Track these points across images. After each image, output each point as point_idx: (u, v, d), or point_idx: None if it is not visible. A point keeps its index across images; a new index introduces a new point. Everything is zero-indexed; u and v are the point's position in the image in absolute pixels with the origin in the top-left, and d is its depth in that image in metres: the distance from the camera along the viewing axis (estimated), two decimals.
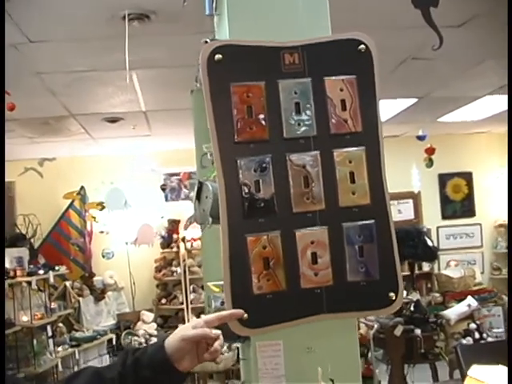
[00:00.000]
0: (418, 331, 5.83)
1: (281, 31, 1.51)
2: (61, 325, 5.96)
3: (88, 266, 7.31)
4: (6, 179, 6.70)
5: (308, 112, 1.49)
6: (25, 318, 4.92)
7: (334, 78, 1.50)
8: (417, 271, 7.43)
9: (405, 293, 6.91)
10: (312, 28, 1.53)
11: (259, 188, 1.46)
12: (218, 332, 1.19)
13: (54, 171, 6.75)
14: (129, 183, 6.95)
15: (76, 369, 5.71)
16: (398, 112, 6.40)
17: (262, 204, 1.46)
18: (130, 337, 6.53)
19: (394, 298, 1.51)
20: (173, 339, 1.19)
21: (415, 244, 6.36)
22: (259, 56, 1.48)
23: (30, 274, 5.21)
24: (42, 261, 6.12)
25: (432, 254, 6.24)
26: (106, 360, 6.31)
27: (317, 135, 1.49)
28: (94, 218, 6.90)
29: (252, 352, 1.48)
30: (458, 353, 3.12)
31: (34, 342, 5.01)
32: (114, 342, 6.57)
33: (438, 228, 7.65)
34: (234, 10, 1.52)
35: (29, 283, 5.18)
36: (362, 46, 1.52)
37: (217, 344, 1.18)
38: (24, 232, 6.41)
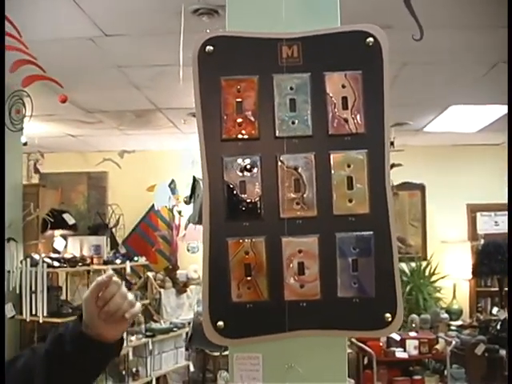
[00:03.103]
0: (502, 352, 5.48)
1: (283, 22, 1.40)
2: (139, 314, 6.07)
3: (174, 259, 7.42)
4: (99, 169, 6.94)
5: (304, 110, 1.37)
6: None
7: (335, 73, 1.37)
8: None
9: (495, 310, 6.52)
10: (319, 19, 1.41)
11: (244, 189, 1.36)
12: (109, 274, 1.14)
13: (142, 163, 6.91)
14: None
15: (149, 359, 5.81)
16: (495, 119, 6.04)
17: (247, 206, 1.36)
18: None
19: (390, 320, 1.36)
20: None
21: (505, 259, 5.99)
22: (254, 48, 1.38)
23: (106, 263, 5.34)
24: (123, 250, 6.26)
25: None
26: (181, 353, 6.36)
27: (313, 135, 1.37)
28: (180, 212, 6.98)
29: (229, 364, 1.38)
30: None
31: None
32: None
33: None
34: None
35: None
36: (371, 39, 1.38)
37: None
38: (107, 221, 6.59)
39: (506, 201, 6.85)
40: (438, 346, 5.39)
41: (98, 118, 5.93)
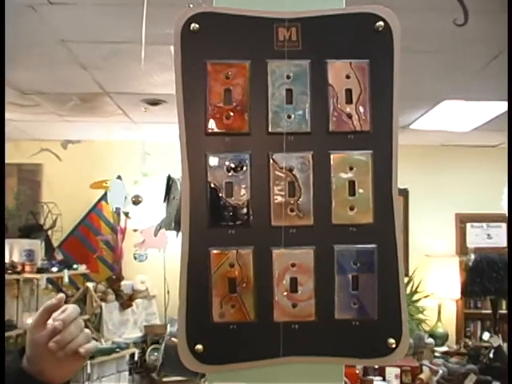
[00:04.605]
0: None
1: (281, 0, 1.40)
2: None
3: (117, 268, 7.38)
4: (33, 161, 6.85)
5: (302, 102, 1.37)
6: (30, 321, 4.96)
7: (339, 61, 1.38)
8: (504, 311, 7.14)
9: (486, 335, 6.63)
10: None
11: (231, 192, 1.36)
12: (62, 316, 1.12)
13: (86, 156, 6.84)
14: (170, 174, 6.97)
15: None
16: (493, 117, 6.15)
17: (233, 212, 1.36)
18: (156, 353, 6.53)
19: (394, 346, 1.37)
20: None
21: (500, 277, 6.11)
22: (246, 28, 1.38)
23: (40, 271, 5.27)
24: (59, 257, 6.19)
25: None
26: (124, 377, 6.33)
27: (311, 132, 1.37)
28: (127, 213, 6.94)
29: None
30: None
31: None
32: (137, 358, 6.59)
33: None
34: None
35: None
36: (380, 23, 1.39)
37: (56, 323, 1.11)
38: (41, 222, 6.51)
39: (500, 211, 7.01)
40: (422, 376, 5.45)
41: (35, 100, 5.85)
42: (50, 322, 1.15)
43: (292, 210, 1.36)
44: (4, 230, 4.01)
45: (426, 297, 7.60)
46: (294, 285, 1.35)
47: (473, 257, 7.11)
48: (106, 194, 7.20)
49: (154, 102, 5.89)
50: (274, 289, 1.35)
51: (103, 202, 7.28)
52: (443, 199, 7.90)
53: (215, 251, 1.35)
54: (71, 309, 1.13)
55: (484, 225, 7.59)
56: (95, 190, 6.99)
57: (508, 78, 3.48)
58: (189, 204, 1.36)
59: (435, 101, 5.97)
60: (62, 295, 1.15)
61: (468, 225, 7.87)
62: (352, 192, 1.37)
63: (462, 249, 7.94)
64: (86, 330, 1.15)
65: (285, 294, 1.35)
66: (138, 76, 5.15)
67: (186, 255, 1.35)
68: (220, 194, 1.36)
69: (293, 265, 1.36)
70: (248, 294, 1.35)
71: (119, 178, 7.10)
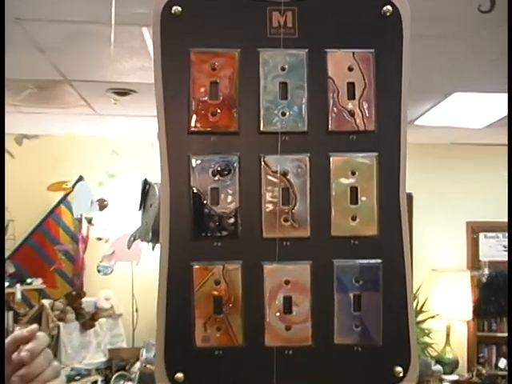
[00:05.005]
0: None
1: None
2: None
3: (78, 282, 7.37)
4: None
5: (298, 97, 1.39)
6: None
7: (340, 51, 1.40)
8: None
9: (502, 362, 6.68)
10: None
11: (217, 199, 1.37)
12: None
13: (43, 153, 6.82)
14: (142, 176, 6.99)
15: None
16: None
17: (220, 222, 1.37)
18: (122, 381, 6.53)
19: (401, 375, 1.39)
20: None
21: None
22: (236, 13, 1.40)
23: None
24: (10, 269, 6.18)
25: None
26: None
27: (308, 131, 1.39)
28: (90, 220, 6.94)
29: None
30: None
31: None
32: None
33: None
34: None
35: None
36: (388, 8, 1.41)
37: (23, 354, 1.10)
38: None
39: None
40: None
41: None
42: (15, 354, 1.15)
43: (286, 220, 1.38)
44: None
45: (432, 317, 7.62)
46: (287, 305, 1.37)
47: (487, 272, 7.15)
48: (65, 197, 7.20)
49: (122, 92, 5.89)
50: (265, 309, 1.37)
51: (62, 207, 7.26)
52: (452, 206, 7.93)
53: (198, 266, 1.36)
54: (41, 337, 1.12)
55: (500, 235, 7.61)
56: (53, 192, 6.97)
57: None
58: (169, 212, 1.37)
59: (444, 93, 6.00)
60: (35, 326, 1.15)
61: (481, 235, 7.90)
62: (354, 200, 1.39)
63: (474, 262, 7.96)
64: (55, 363, 1.15)
65: (277, 314, 1.37)
66: (103, 62, 5.14)
67: (165, 270, 1.37)
68: (204, 202, 1.37)
69: (287, 282, 1.37)
70: (236, 314, 1.37)
71: (81, 179, 7.09)
